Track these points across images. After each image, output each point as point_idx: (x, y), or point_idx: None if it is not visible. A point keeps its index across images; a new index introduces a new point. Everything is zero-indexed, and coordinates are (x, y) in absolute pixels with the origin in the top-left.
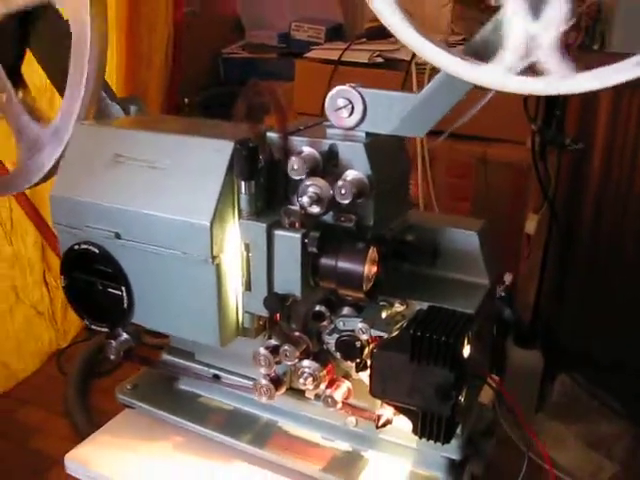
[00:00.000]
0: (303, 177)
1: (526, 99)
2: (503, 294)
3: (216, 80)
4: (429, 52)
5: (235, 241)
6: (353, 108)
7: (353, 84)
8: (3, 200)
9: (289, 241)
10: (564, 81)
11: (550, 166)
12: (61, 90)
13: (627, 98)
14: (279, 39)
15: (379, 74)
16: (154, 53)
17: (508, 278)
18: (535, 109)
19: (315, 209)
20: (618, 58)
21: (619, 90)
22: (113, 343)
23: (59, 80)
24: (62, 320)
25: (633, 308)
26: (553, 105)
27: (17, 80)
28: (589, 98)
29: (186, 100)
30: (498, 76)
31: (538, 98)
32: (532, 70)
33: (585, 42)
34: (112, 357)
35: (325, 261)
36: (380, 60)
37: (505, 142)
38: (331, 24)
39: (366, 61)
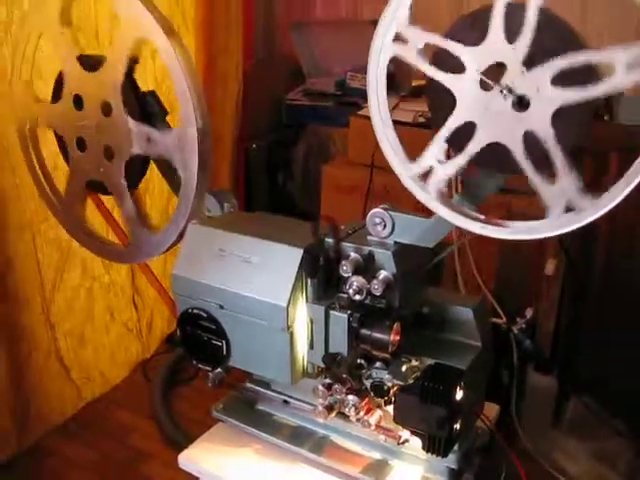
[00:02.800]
0: (350, 275)
1: None
2: (524, 326)
3: (279, 124)
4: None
5: (303, 316)
6: (385, 225)
7: (386, 206)
8: None
9: (339, 319)
10: (594, 211)
11: None
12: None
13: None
14: (336, 86)
15: (421, 134)
16: (226, 103)
17: (529, 313)
18: None
19: (357, 297)
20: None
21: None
22: (211, 375)
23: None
24: (147, 335)
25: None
26: None
27: None
28: (600, 156)
29: (254, 145)
30: (553, 227)
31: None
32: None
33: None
34: (210, 385)
35: (364, 332)
36: (422, 120)
37: (528, 195)
38: None
39: (410, 121)
